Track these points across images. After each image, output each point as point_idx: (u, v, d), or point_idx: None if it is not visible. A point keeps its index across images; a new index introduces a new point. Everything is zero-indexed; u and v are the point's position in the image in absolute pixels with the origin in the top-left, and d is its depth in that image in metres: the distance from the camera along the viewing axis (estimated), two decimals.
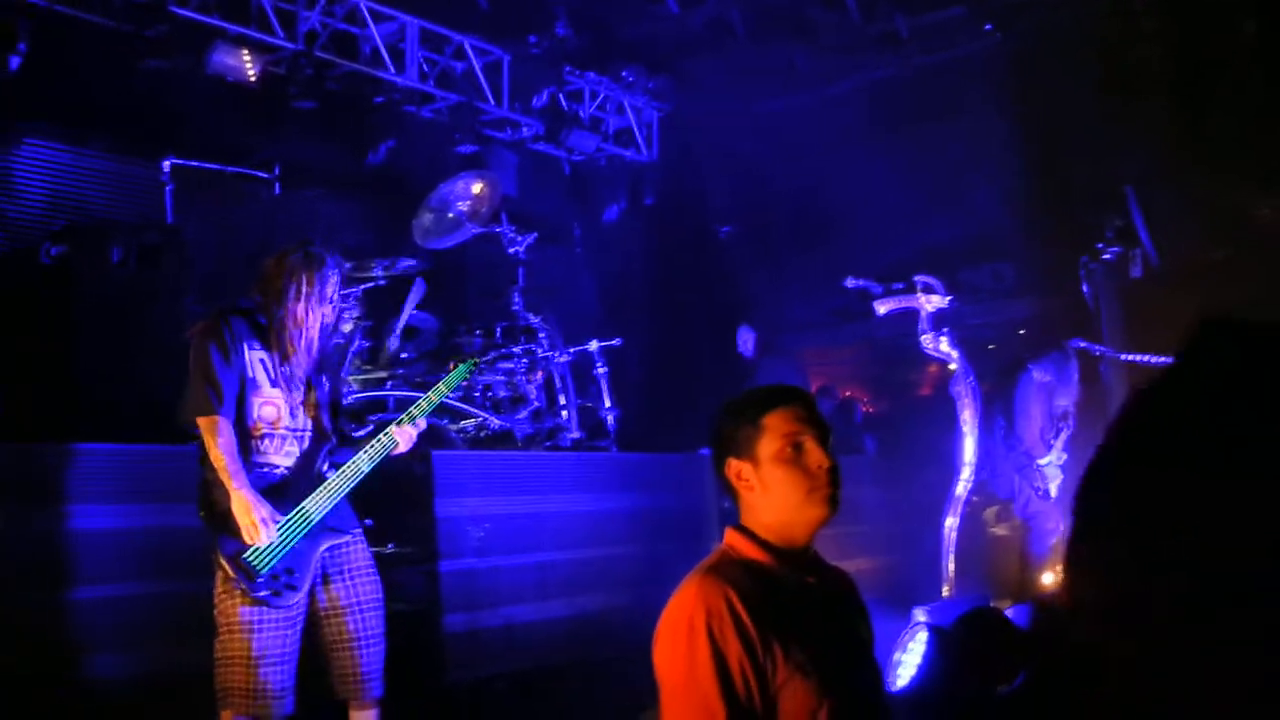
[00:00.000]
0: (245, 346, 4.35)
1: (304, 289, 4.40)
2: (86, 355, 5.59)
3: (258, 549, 4.20)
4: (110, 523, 5.06)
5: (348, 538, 4.49)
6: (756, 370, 8.59)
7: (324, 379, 4.53)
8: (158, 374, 5.73)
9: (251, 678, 4.23)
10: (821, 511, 2.69)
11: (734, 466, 2.74)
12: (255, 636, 4.23)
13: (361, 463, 4.44)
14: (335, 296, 4.49)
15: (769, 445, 2.70)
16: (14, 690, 4.57)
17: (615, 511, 6.97)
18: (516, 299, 7.63)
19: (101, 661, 4.91)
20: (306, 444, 4.45)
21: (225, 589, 4.28)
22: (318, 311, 4.42)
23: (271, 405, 4.37)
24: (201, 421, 4.25)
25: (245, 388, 4.33)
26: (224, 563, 4.21)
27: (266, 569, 4.22)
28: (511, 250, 7.72)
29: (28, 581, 4.81)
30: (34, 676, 4.68)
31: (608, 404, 7.60)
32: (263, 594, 4.21)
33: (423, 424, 4.64)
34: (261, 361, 4.39)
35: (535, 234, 7.75)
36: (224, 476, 4.20)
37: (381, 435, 4.52)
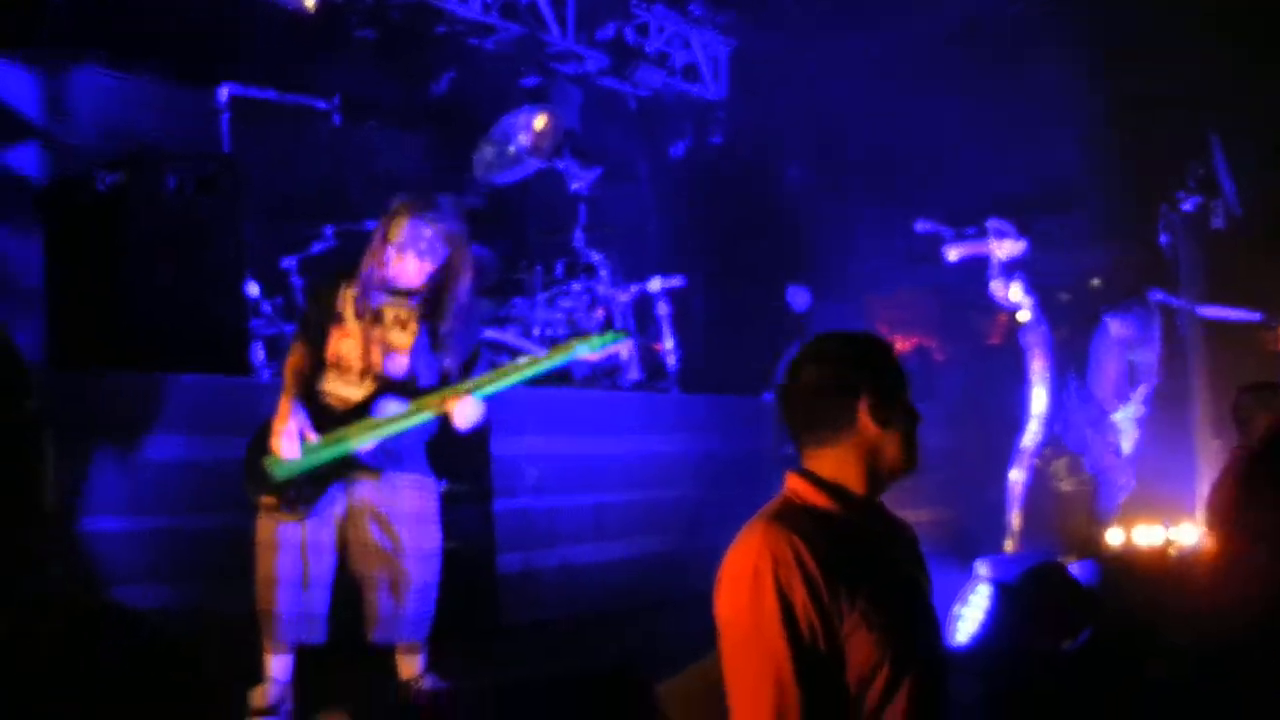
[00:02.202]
0: (342, 288, 4.50)
1: (393, 235, 4.44)
2: (141, 284, 5.60)
3: (279, 459, 4.29)
4: (167, 454, 5.11)
5: (400, 474, 4.48)
6: (812, 319, 8.53)
7: (423, 326, 4.52)
8: (213, 304, 5.79)
9: (270, 601, 4.35)
10: (913, 467, 2.73)
11: (868, 404, 2.70)
12: (277, 556, 4.34)
13: (412, 414, 4.42)
14: (427, 246, 4.44)
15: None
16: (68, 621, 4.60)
17: (674, 454, 6.97)
18: (578, 236, 7.60)
19: (154, 593, 4.97)
20: (375, 384, 4.46)
21: (258, 504, 4.42)
22: (404, 256, 4.44)
23: (349, 340, 4.43)
24: (291, 349, 4.54)
25: (329, 321, 4.47)
26: (250, 468, 4.40)
27: (283, 476, 4.30)
28: (574, 186, 7.67)
29: (82, 510, 4.87)
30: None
31: (669, 344, 7.58)
32: (282, 507, 4.28)
33: (474, 411, 4.44)
34: (355, 299, 4.51)
35: (599, 170, 7.72)
36: (284, 388, 4.41)
37: (433, 399, 4.42)
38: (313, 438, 4.32)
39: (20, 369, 4.10)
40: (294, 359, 4.48)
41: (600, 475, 6.54)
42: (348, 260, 4.60)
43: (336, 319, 4.48)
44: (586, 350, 4.50)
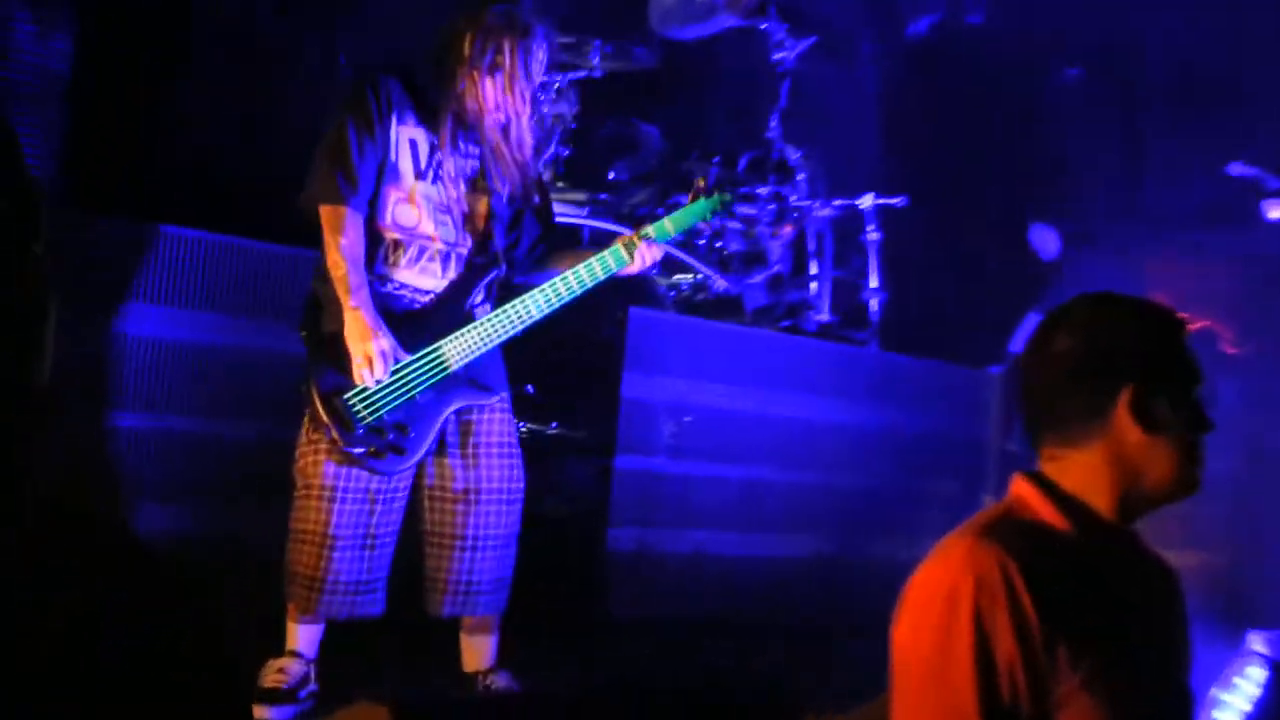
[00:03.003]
0: (395, 119, 4.37)
1: (498, 60, 4.37)
2: (203, 119, 5.70)
3: (365, 390, 4.24)
4: (183, 334, 5.19)
5: (493, 400, 4.48)
6: (1062, 275, 8.34)
7: (505, 183, 4.50)
8: (290, 149, 5.83)
9: (322, 561, 4.29)
10: (1186, 491, 2.66)
11: (1133, 397, 2.63)
12: (336, 507, 4.28)
13: (534, 303, 4.39)
14: (538, 79, 4.46)
15: None
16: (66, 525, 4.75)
17: (864, 427, 6.92)
18: (774, 123, 7.55)
19: (150, 511, 5.08)
20: (459, 266, 4.43)
21: (311, 438, 4.33)
22: (511, 93, 4.39)
23: (412, 205, 4.38)
24: (324, 211, 4.27)
25: (382, 173, 4.35)
26: (317, 401, 4.26)
27: (372, 417, 4.25)
28: (777, 57, 7.61)
29: (84, 400, 4.99)
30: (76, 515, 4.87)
31: (874, 283, 7.53)
32: (358, 450, 4.25)
33: (657, 252, 4.60)
34: (413, 144, 4.38)
35: (811, 39, 7.64)
36: (339, 289, 4.21)
37: (609, 252, 4.48)
38: (405, 355, 4.29)
39: (29, 199, 4.09)
40: (348, 235, 4.25)
41: (758, 443, 6.49)
42: (389, 76, 4.42)
43: (392, 174, 4.38)
44: (680, 224, 4.65)
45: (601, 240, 6.43)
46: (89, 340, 4.97)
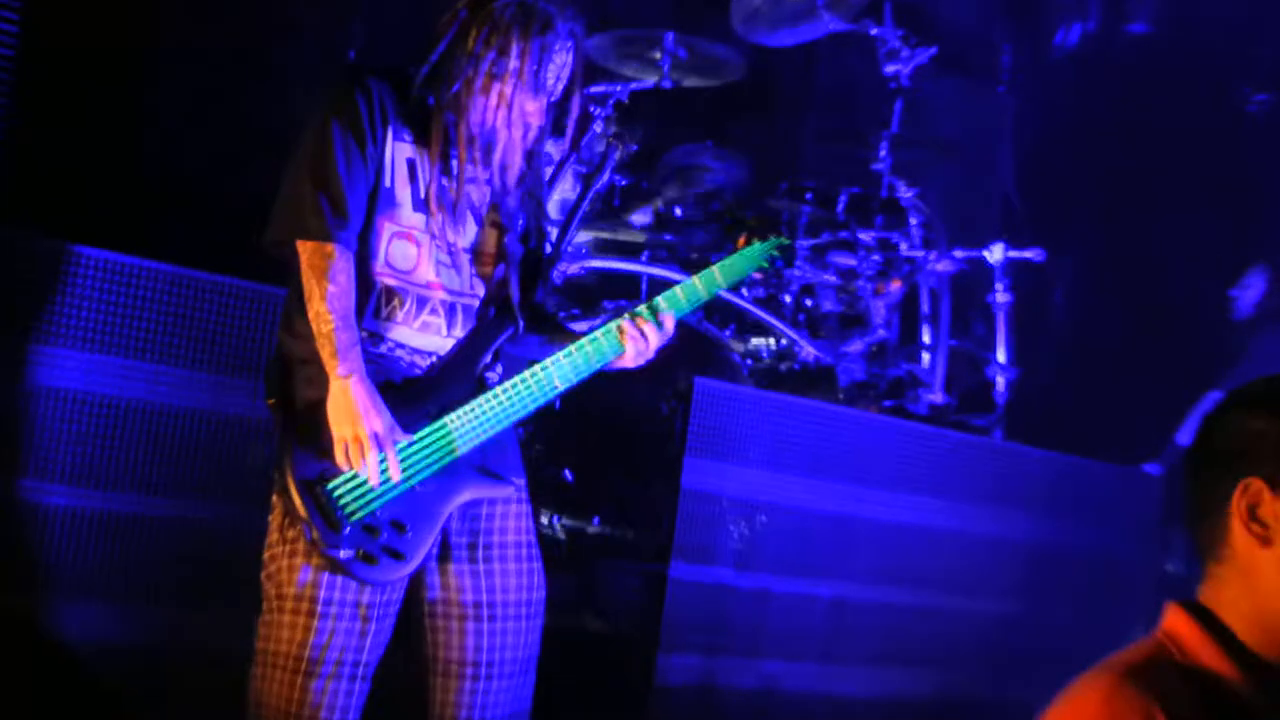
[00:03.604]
0: (390, 133, 4.24)
1: (505, 61, 4.31)
2: (163, 122, 5.73)
3: (354, 478, 4.15)
4: (115, 387, 5.10)
5: (506, 491, 4.40)
6: (1251, 338, 8.25)
7: (521, 216, 4.44)
8: (271, 162, 5.86)
9: (296, 693, 4.14)
10: None
11: (1253, 492, 2.57)
12: (317, 624, 4.13)
13: (558, 372, 4.32)
14: (562, 84, 4.38)
15: None
16: None
17: (983, 537, 6.89)
18: (883, 153, 7.54)
19: (76, 615, 5.02)
20: (467, 320, 4.33)
21: (285, 537, 4.19)
22: (519, 105, 4.30)
23: (411, 244, 4.28)
24: (305, 250, 4.09)
25: (375, 202, 4.21)
26: (293, 490, 4.12)
27: (363, 513, 4.14)
28: (889, 70, 7.59)
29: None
30: None
31: (1001, 356, 7.47)
32: (345, 553, 4.12)
33: (671, 326, 4.41)
34: (410, 165, 4.24)
35: (934, 49, 7.60)
36: (324, 349, 4.08)
37: (601, 332, 4.38)
38: (405, 437, 4.18)
39: None
40: (336, 280, 4.10)
41: (849, 553, 6.45)
42: (378, 78, 4.27)
43: (386, 202, 4.24)
44: (728, 278, 4.52)
45: (663, 288, 6.41)
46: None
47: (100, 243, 5.07)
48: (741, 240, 4.73)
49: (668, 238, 7.26)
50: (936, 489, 6.81)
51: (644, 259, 7.15)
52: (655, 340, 4.36)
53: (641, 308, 4.36)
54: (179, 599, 5.11)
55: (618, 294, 6.86)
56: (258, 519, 4.38)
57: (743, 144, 7.64)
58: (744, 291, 7.17)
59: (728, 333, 6.96)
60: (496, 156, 4.30)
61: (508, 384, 4.28)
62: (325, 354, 4.08)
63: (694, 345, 5.29)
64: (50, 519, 4.97)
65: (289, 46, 6.56)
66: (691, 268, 6.91)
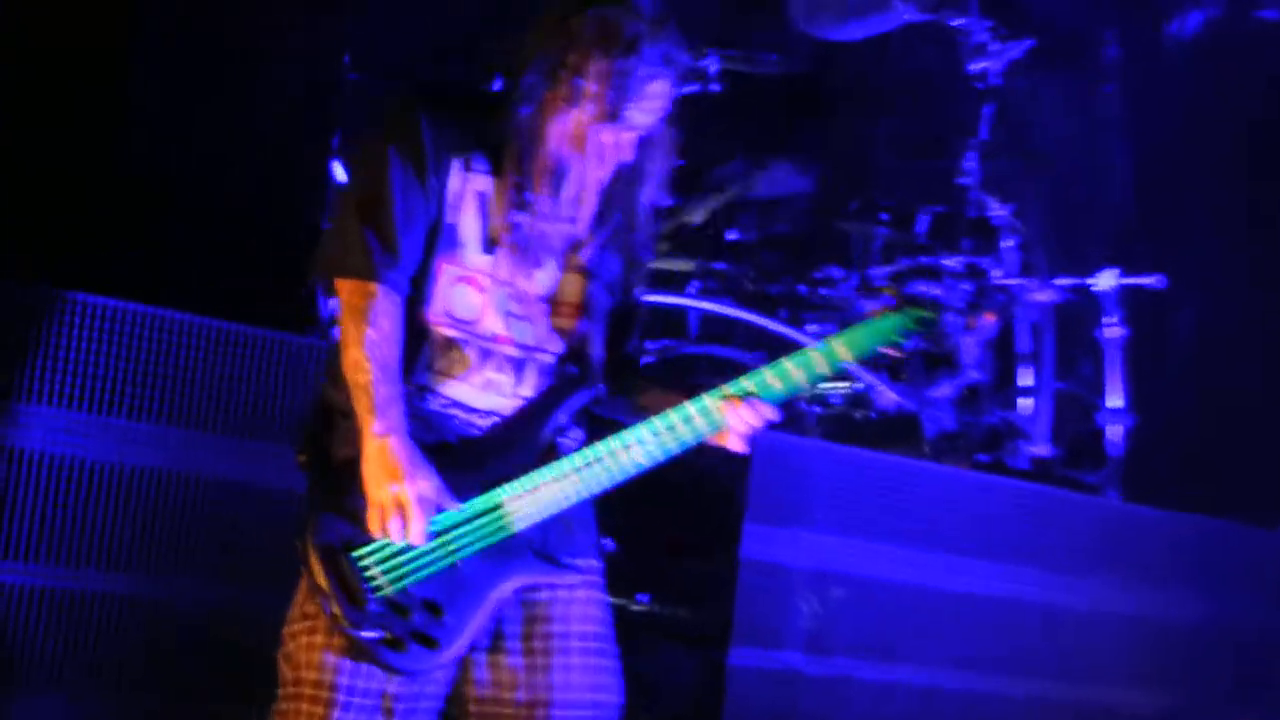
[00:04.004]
0: (455, 164, 4.22)
1: (585, 84, 4.24)
2: (140, 141, 5.71)
3: (385, 547, 4.10)
4: (103, 450, 5.12)
5: (571, 579, 4.31)
6: None
7: (610, 263, 4.36)
8: (266, 187, 5.90)
9: None
10: None
11: None
12: (336, 712, 4.11)
13: (644, 451, 4.22)
14: (646, 118, 4.30)
15: None
16: None
17: (1101, 614, 6.81)
18: (971, 164, 7.47)
19: (49, 709, 5.03)
20: (540, 379, 4.28)
21: (305, 613, 4.18)
22: (604, 133, 4.23)
23: (476, 288, 4.21)
24: (344, 288, 4.11)
25: (435, 241, 4.20)
26: (314, 557, 4.09)
27: (392, 588, 4.09)
28: (977, 67, 7.55)
29: None
30: None
31: (1114, 401, 7.41)
32: (369, 635, 4.05)
33: (770, 413, 4.40)
34: (481, 200, 4.21)
35: (1030, 42, 7.57)
36: (360, 403, 4.05)
37: (693, 407, 4.26)
38: (452, 505, 4.21)
39: None
40: (378, 325, 4.11)
41: (942, 632, 6.40)
42: (448, 100, 4.25)
43: (448, 241, 4.28)
44: (851, 353, 4.31)
45: (715, 333, 6.30)
46: None
47: (74, 280, 5.11)
48: (873, 310, 4.56)
49: (720, 265, 7.22)
50: (1041, 558, 6.75)
51: (693, 291, 7.08)
52: (749, 425, 4.23)
53: (742, 383, 4.28)
54: (166, 691, 5.13)
55: (660, 332, 6.81)
56: (262, 600, 4.44)
57: (806, 155, 7.64)
58: (811, 327, 7.18)
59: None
60: (569, 192, 4.24)
61: (580, 456, 4.17)
62: (361, 408, 4.04)
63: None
64: (25, 602, 5.02)
65: (278, 49, 6.63)
66: (748, 301, 6.86)
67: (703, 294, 7.11)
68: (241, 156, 6.18)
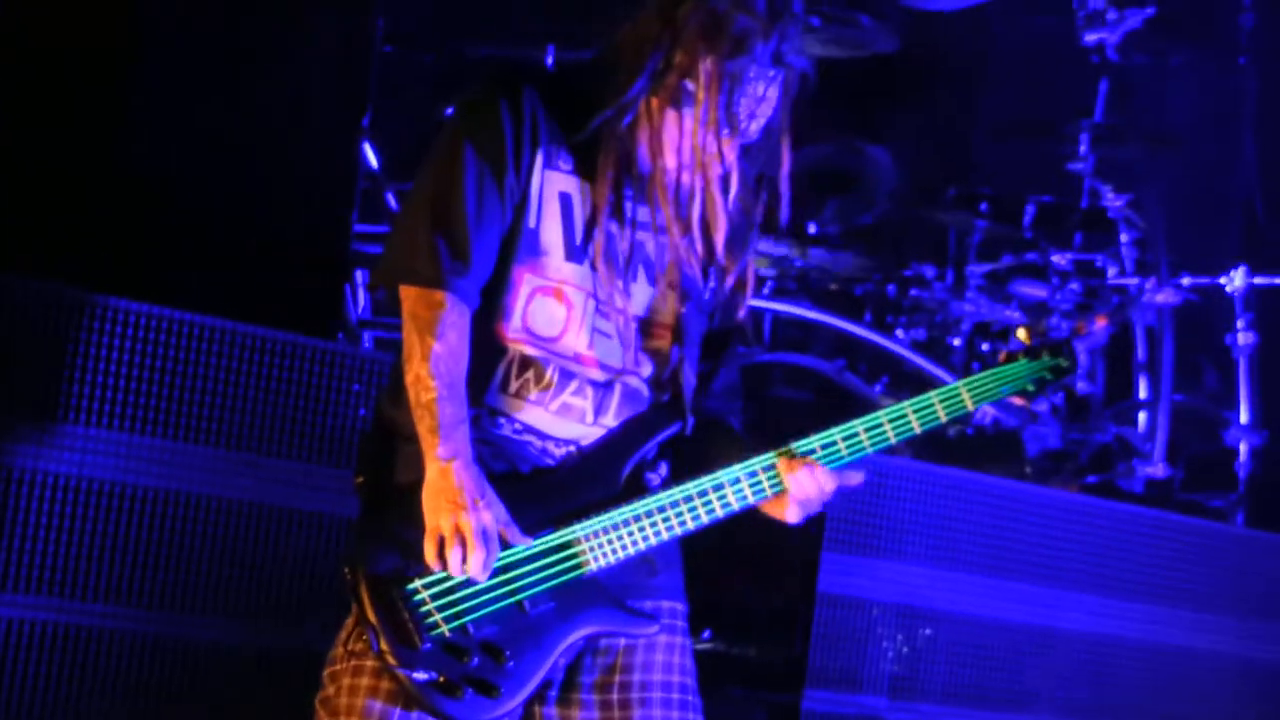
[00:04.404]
0: (541, 157, 4.33)
1: (693, 85, 4.22)
2: (163, 125, 5.90)
3: (444, 582, 4.13)
4: (131, 474, 5.16)
5: (646, 630, 4.35)
6: None
7: (710, 278, 4.36)
8: (298, 178, 6.04)
9: None
10: None
11: None
12: None
13: (737, 496, 4.24)
14: (756, 122, 4.28)
15: None
16: None
17: (1226, 656, 6.82)
18: (1084, 149, 7.53)
19: None
20: (625, 405, 4.28)
21: (351, 651, 4.19)
22: (710, 140, 4.23)
23: (561, 300, 4.22)
24: (408, 296, 4.10)
25: (513, 247, 4.26)
26: (364, 590, 4.12)
27: (449, 626, 4.12)
28: (1092, 38, 7.59)
29: None
30: None
31: (1244, 416, 7.42)
32: (420, 676, 4.08)
33: (856, 478, 4.31)
34: (565, 201, 4.19)
35: (1150, 10, 7.58)
36: (423, 423, 4.06)
37: (761, 466, 4.26)
38: (521, 540, 4.32)
39: None
40: (445, 338, 4.11)
41: (1044, 676, 6.40)
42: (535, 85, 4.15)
43: (528, 247, 4.30)
44: (969, 403, 4.22)
45: (793, 341, 6.37)
46: None
47: (95, 282, 5.18)
48: (1004, 355, 4.53)
49: (798, 263, 7.24)
50: (1158, 592, 6.74)
51: (767, 292, 7.13)
52: (820, 492, 4.16)
53: (812, 443, 4.21)
54: None
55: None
56: (292, 640, 4.55)
57: (897, 138, 7.68)
58: (899, 333, 7.18)
59: (879, 387, 6.89)
60: (695, 209, 4.25)
61: (666, 495, 4.18)
62: (423, 428, 3.99)
63: (834, 402, 5.22)
64: (38, 638, 5.08)
65: (304, 18, 6.64)
66: (828, 303, 6.90)
67: (778, 295, 7.15)
68: (262, 139, 6.15)
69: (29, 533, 5.08)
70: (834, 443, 4.14)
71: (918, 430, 4.15)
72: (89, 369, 5.14)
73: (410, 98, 7.42)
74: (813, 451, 4.13)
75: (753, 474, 4.14)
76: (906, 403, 4.18)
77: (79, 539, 5.11)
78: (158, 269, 5.69)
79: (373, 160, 6.88)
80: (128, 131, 6.08)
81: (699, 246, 4.24)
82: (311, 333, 5.59)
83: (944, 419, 4.17)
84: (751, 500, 4.11)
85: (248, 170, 6.11)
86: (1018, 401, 4.74)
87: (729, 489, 4.12)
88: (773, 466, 4.13)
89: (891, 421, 4.15)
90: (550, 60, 5.44)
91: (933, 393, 4.17)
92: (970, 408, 4.22)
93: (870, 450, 4.14)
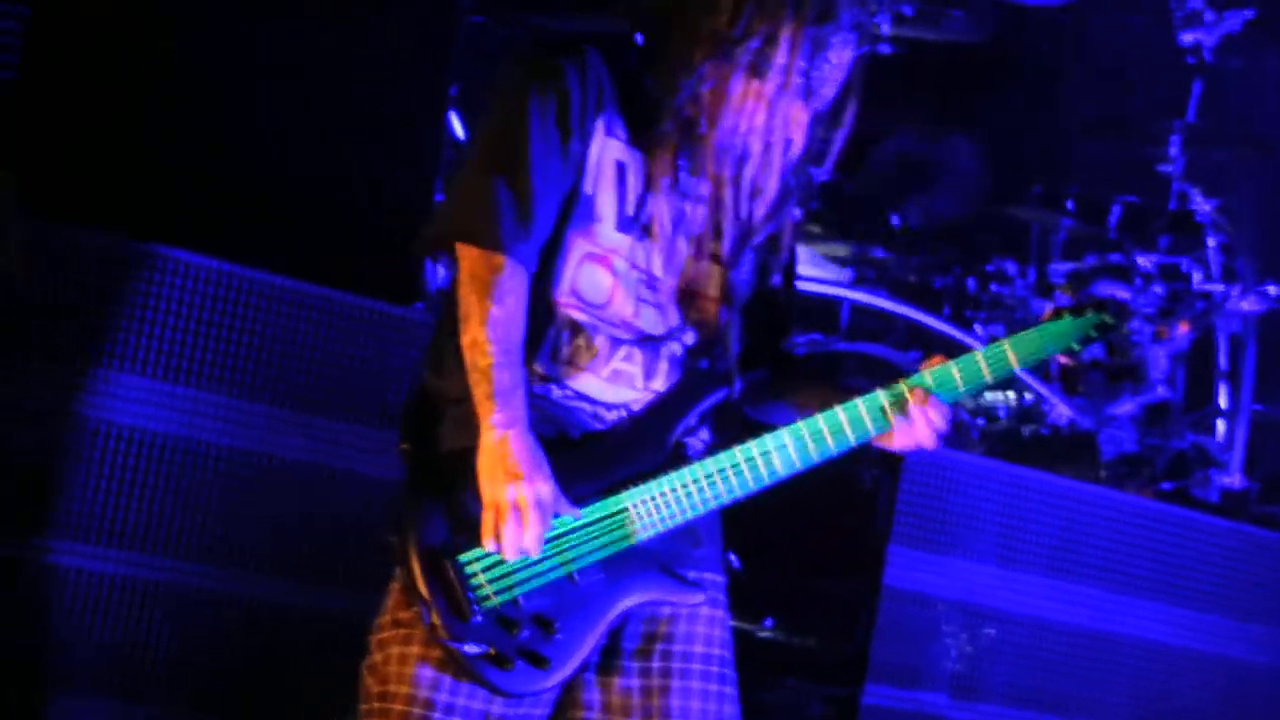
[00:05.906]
0: (602, 123, 4.21)
1: (775, 52, 4.20)
2: (222, 94, 5.96)
3: (498, 566, 4.10)
4: (185, 427, 5.19)
5: (693, 598, 4.34)
6: None
7: (755, 251, 4.34)
8: (366, 142, 6.05)
9: None
10: None
11: None
12: None
13: (783, 458, 4.23)
14: (826, 92, 4.26)
15: None
16: None
17: None
18: (1174, 150, 7.50)
19: (115, 712, 5.08)
20: (671, 371, 4.28)
21: (398, 620, 4.16)
22: (791, 108, 4.21)
23: (608, 268, 4.19)
24: (467, 256, 4.05)
25: (570, 212, 4.18)
26: (415, 561, 4.07)
27: (500, 599, 4.10)
28: (1187, 38, 7.54)
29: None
30: None
31: None
32: (471, 649, 4.06)
33: (939, 419, 4.28)
34: (620, 170, 4.18)
35: (1249, 12, 7.51)
36: (479, 389, 4.01)
37: (864, 406, 4.24)
38: (573, 514, 4.25)
39: None
40: (503, 303, 4.07)
41: (1107, 682, 6.38)
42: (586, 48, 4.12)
43: (584, 214, 4.26)
44: (1024, 357, 4.18)
45: (871, 330, 6.36)
46: (22, 424, 5.02)
47: (165, 238, 5.21)
48: (1049, 312, 4.49)
49: (879, 253, 7.24)
50: (1230, 604, 6.71)
51: (847, 280, 7.10)
52: (931, 427, 4.13)
53: (921, 376, 4.24)
54: (228, 701, 5.19)
55: (806, 325, 6.82)
56: (344, 600, 4.55)
57: (983, 132, 7.66)
58: (977, 328, 7.15)
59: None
60: (747, 175, 4.24)
61: (713, 461, 4.15)
62: (479, 393, 3.96)
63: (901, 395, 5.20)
64: (87, 587, 5.10)
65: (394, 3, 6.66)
66: (908, 294, 6.89)
67: (857, 284, 7.15)
68: (344, 109, 6.21)
69: (90, 482, 5.06)
70: (923, 380, 4.11)
71: (987, 376, 4.17)
72: (154, 321, 5.15)
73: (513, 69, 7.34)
74: (927, 386, 4.11)
75: (819, 431, 4.10)
76: (974, 352, 4.15)
77: (139, 491, 5.11)
78: (246, 232, 5.68)
79: (459, 130, 6.88)
80: (217, 95, 6.10)
81: (744, 210, 4.27)
82: (393, 301, 5.66)
83: (989, 379, 4.18)
84: (834, 447, 4.07)
85: (334, 136, 6.16)
86: (1066, 361, 4.70)
87: (776, 453, 4.09)
88: (866, 413, 4.06)
89: (964, 368, 4.18)
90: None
91: (978, 351, 4.14)
92: (1020, 363, 4.17)
93: (950, 392, 4.11)
